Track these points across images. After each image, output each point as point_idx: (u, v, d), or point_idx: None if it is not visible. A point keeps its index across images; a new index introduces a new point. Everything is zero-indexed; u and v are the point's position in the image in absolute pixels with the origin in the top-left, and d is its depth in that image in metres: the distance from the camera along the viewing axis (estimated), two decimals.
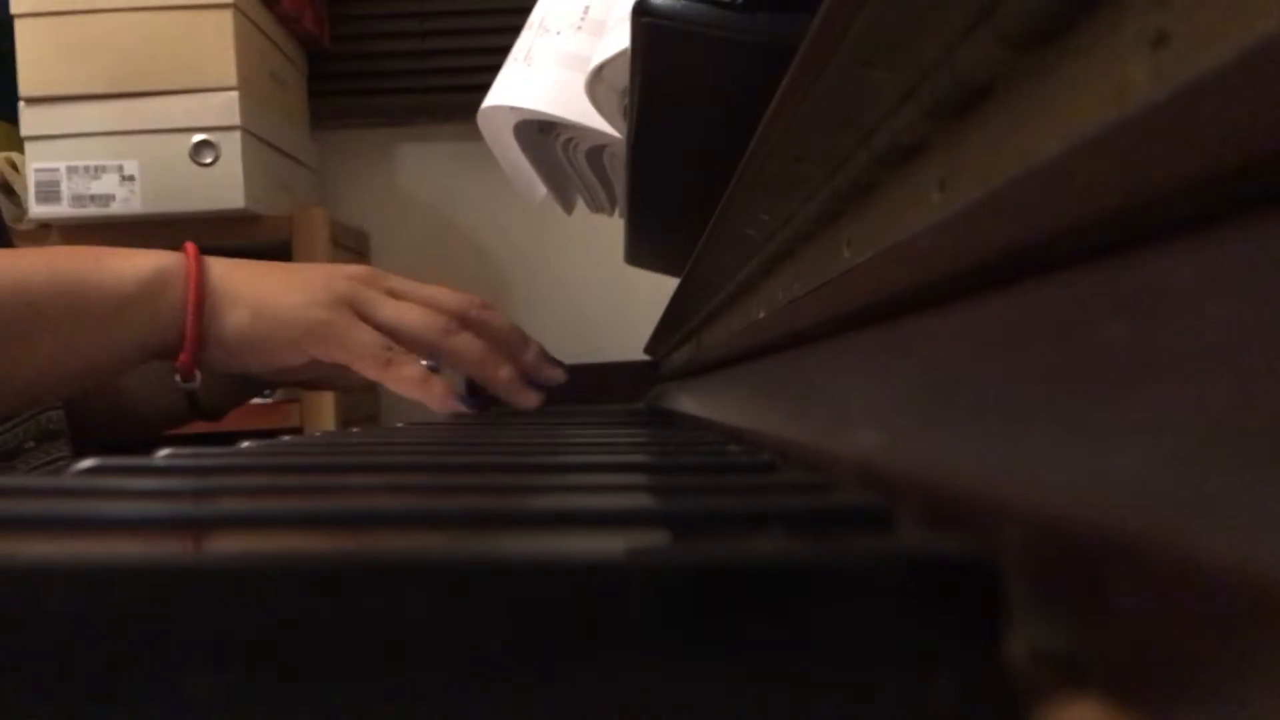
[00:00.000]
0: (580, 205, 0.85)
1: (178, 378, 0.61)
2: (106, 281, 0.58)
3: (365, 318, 0.63)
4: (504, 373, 0.65)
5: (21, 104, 1.23)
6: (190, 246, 0.62)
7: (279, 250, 1.30)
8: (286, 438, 0.45)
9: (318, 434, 0.59)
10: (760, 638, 0.12)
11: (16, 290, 0.55)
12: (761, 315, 0.40)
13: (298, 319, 0.61)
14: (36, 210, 1.23)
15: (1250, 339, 0.10)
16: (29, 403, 0.63)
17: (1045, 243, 0.15)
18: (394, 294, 0.66)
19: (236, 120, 1.23)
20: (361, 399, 1.50)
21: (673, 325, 0.77)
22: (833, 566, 0.12)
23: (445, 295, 0.67)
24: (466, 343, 0.64)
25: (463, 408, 0.64)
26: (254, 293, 0.61)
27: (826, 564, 0.12)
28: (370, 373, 0.62)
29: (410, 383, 0.62)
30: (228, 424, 0.87)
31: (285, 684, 0.12)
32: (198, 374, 0.62)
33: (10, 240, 0.76)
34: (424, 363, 0.64)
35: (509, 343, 0.68)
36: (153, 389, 0.74)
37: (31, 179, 1.23)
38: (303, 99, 1.55)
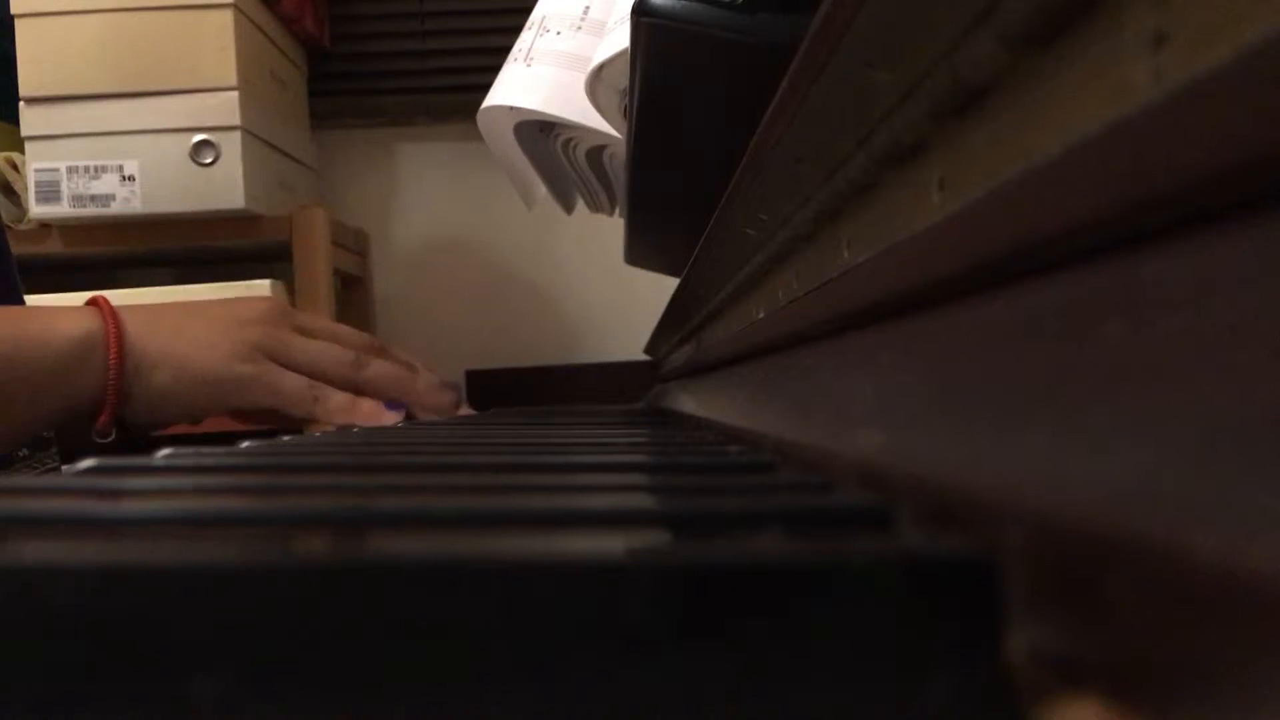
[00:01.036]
0: (580, 205, 0.85)
1: (96, 437, 0.63)
2: (36, 349, 0.59)
3: (283, 362, 0.66)
4: (420, 383, 0.70)
5: (21, 104, 1.23)
6: (102, 301, 0.63)
7: (279, 250, 1.30)
8: (286, 438, 0.45)
9: (318, 434, 0.59)
10: (760, 638, 0.12)
11: None
12: (761, 315, 0.40)
13: (222, 377, 0.64)
14: (36, 210, 1.23)
15: (1250, 339, 0.10)
16: None
17: (1045, 242, 0.15)
18: (302, 331, 0.69)
19: (236, 120, 1.23)
20: None
21: (673, 325, 0.77)
22: (832, 566, 0.12)
23: (347, 331, 0.71)
24: (380, 368, 0.69)
25: (394, 415, 0.68)
26: (173, 351, 0.63)
27: (826, 564, 0.12)
28: (300, 412, 0.65)
29: (340, 412, 0.66)
30: (228, 424, 0.87)
31: (285, 684, 0.12)
32: (113, 432, 0.63)
33: (5, 241, 0.77)
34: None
35: (409, 366, 0.73)
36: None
37: (31, 179, 1.23)
38: (303, 99, 1.55)
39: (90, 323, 0.61)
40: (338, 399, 0.66)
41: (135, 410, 0.63)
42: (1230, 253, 0.11)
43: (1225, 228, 0.11)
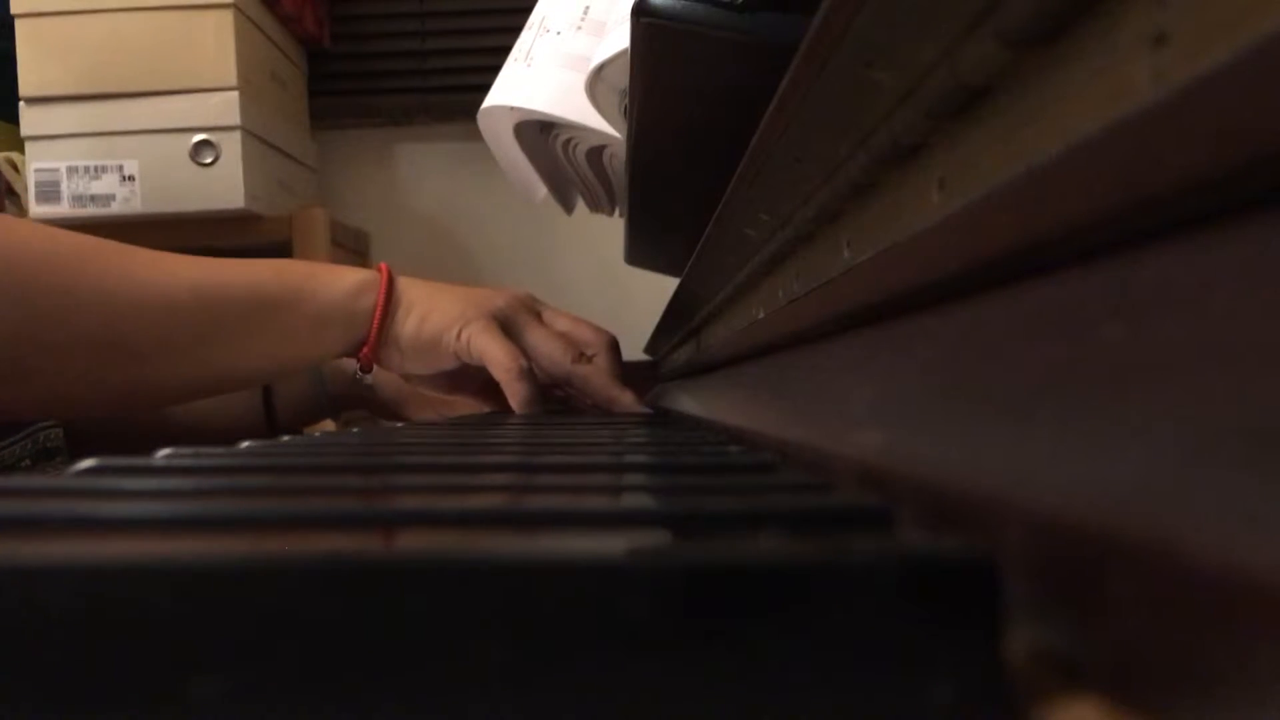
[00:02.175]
0: (580, 205, 0.85)
1: (358, 369, 0.73)
2: (321, 289, 0.69)
3: (511, 336, 0.74)
4: (626, 398, 0.76)
5: (21, 104, 1.23)
6: (383, 266, 0.74)
7: (279, 250, 1.30)
8: (286, 438, 0.45)
9: (318, 434, 0.59)
10: (760, 638, 0.12)
11: (251, 291, 0.66)
12: (761, 315, 0.40)
13: (452, 327, 0.72)
14: (36, 210, 1.23)
15: (1250, 339, 0.10)
16: (245, 386, 0.74)
17: (1045, 243, 0.15)
18: (542, 320, 0.77)
19: (236, 120, 1.23)
20: None
21: (673, 325, 0.77)
22: (833, 566, 0.12)
23: (585, 328, 0.78)
24: (592, 373, 0.75)
25: None
26: (425, 305, 0.73)
27: (826, 564, 0.12)
28: (499, 375, 0.72)
29: (521, 401, 0.72)
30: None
31: (285, 684, 0.12)
32: (374, 369, 0.73)
33: None
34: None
35: (618, 377, 0.79)
36: (225, 401, 0.83)
37: (31, 179, 1.23)
38: (303, 99, 1.55)
39: (366, 276, 0.72)
40: (527, 390, 0.71)
41: (389, 354, 0.72)
42: (1230, 253, 0.11)
43: (1225, 228, 0.11)
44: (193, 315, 0.64)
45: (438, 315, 0.73)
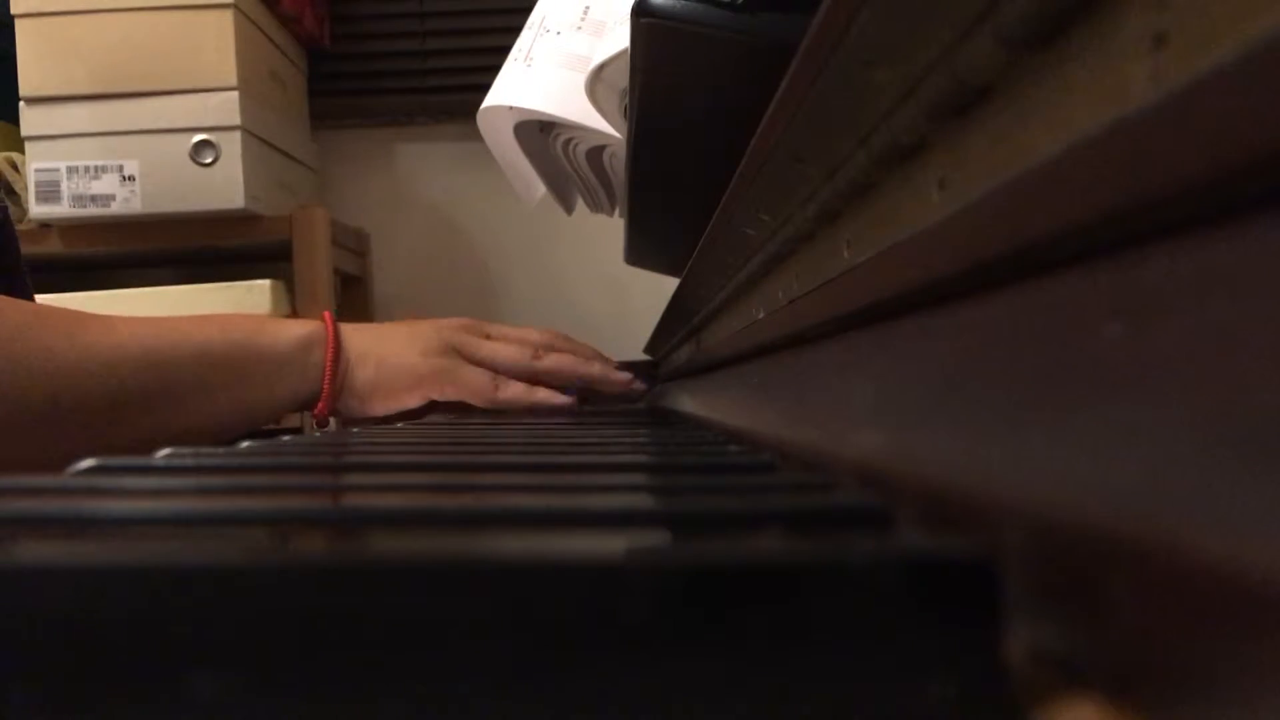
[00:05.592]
0: (580, 205, 0.85)
1: (314, 424, 0.75)
2: (267, 345, 0.71)
3: (468, 359, 0.77)
4: (596, 366, 0.79)
5: (21, 104, 1.23)
6: (327, 315, 0.75)
7: (279, 250, 1.30)
8: (286, 438, 0.45)
9: (318, 434, 0.59)
10: (760, 638, 0.12)
11: (199, 352, 0.67)
12: (761, 315, 0.40)
13: (416, 369, 0.75)
14: (36, 210, 1.23)
15: (1249, 339, 0.10)
16: (202, 443, 0.73)
17: (1045, 243, 0.15)
18: (489, 337, 0.80)
19: (236, 120, 1.23)
20: None
21: (673, 325, 0.77)
22: (833, 566, 0.12)
23: (532, 332, 0.81)
24: (556, 359, 0.79)
25: (568, 399, 0.77)
26: (378, 350, 0.75)
27: (826, 564, 0.12)
28: (482, 401, 0.76)
29: (518, 400, 0.76)
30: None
31: (285, 684, 0.12)
32: (330, 421, 0.75)
33: (16, 240, 0.78)
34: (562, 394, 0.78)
35: (589, 355, 0.83)
36: None
37: (31, 179, 1.23)
38: (303, 99, 1.55)
39: (312, 328, 0.74)
40: (515, 388, 0.75)
41: (347, 403, 0.75)
42: (1230, 253, 0.11)
43: (1225, 228, 0.11)
44: (142, 378, 0.64)
45: (393, 358, 0.75)
